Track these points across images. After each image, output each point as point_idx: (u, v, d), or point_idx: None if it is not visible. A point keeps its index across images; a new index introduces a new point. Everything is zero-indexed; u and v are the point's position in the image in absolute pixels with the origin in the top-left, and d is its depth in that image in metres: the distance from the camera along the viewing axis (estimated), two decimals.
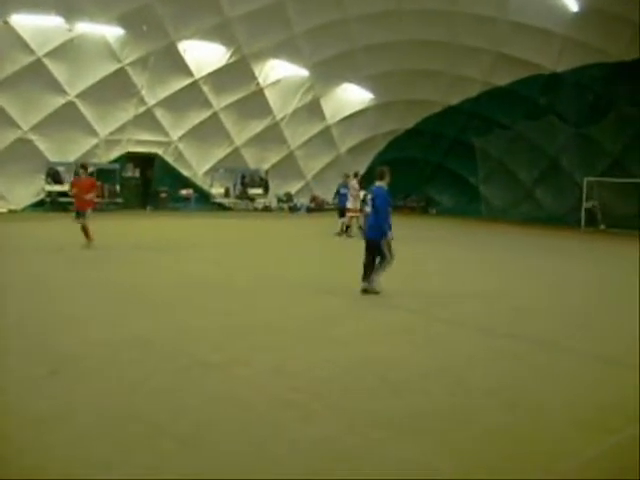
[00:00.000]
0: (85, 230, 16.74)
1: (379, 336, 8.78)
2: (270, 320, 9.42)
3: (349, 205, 23.14)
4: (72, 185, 18.23)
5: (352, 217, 22.95)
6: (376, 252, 11.45)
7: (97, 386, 6.26)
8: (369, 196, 11.79)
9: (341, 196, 24.80)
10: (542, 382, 6.99)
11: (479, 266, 17.12)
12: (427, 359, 7.70)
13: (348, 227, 23.21)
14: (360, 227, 22.04)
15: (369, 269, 11.51)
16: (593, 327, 9.98)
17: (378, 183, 11.89)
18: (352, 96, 37.23)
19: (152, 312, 9.76)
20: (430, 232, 27.08)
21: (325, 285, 12.74)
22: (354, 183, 23.66)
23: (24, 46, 26.94)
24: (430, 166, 37.93)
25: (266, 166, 36.91)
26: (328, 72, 34.29)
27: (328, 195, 39.38)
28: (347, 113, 37.75)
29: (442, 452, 5.03)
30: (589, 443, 5.29)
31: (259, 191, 36.74)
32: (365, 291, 11.48)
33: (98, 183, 29.93)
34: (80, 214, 16.94)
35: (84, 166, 18.72)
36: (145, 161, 32.93)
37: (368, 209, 11.73)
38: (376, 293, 11.39)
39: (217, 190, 35.57)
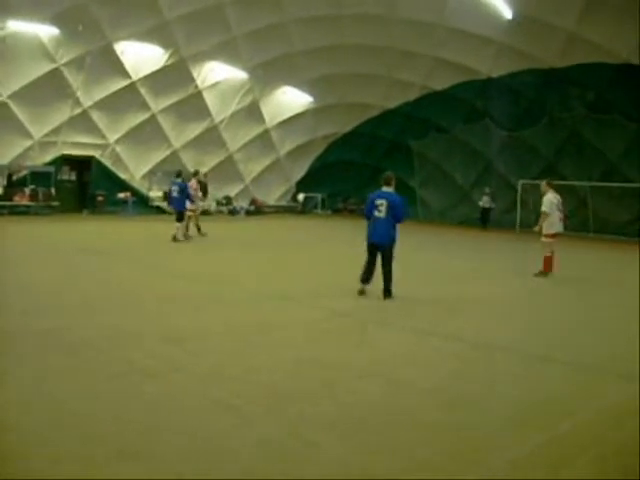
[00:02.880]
0: None
1: (316, 338, 8.83)
2: (208, 325, 9.35)
3: (189, 206, 21.88)
4: None
5: (190, 217, 22.26)
6: (383, 257, 11.81)
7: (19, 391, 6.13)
8: (379, 201, 11.75)
9: (175, 199, 21.81)
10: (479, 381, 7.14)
11: (408, 267, 17.37)
12: (364, 360, 7.76)
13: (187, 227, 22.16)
14: (198, 227, 22.46)
15: (370, 273, 11.98)
16: (525, 325, 10.23)
17: (386, 189, 11.94)
18: (291, 99, 37.32)
19: (81, 316, 9.57)
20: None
21: (268, 289, 12.76)
22: (193, 183, 22.95)
23: None
24: (369, 169, 38.24)
25: (205, 169, 36.61)
26: (267, 75, 34.30)
27: (268, 198, 39.46)
28: (286, 116, 37.83)
29: (379, 451, 5.09)
30: (522, 440, 5.43)
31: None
32: (362, 292, 11.96)
33: (32, 186, 29.67)
34: None
35: None
36: (81, 164, 32.33)
37: (379, 214, 11.73)
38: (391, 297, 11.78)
39: (155, 193, 35.13)
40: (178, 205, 21.31)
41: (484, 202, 32.55)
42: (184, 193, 21.35)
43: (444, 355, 8.19)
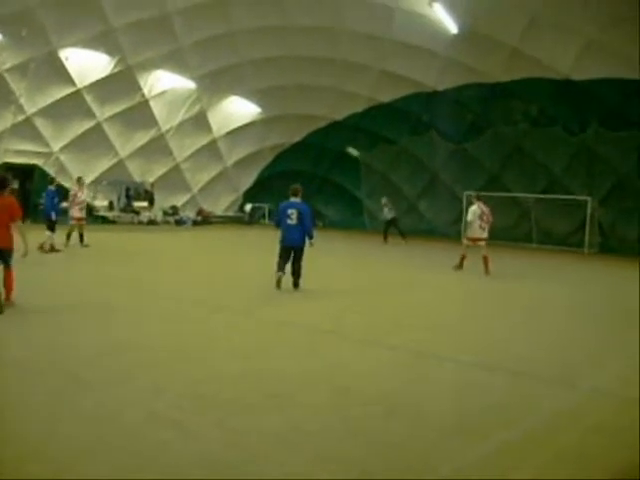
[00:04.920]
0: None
1: (261, 348, 8.82)
2: (150, 336, 9.24)
3: (77, 214, 21.15)
4: None
5: (81, 225, 21.41)
6: (294, 256, 13.67)
7: None
8: (290, 211, 13.60)
9: (46, 207, 20.38)
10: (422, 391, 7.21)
11: (353, 274, 17.53)
12: (310, 370, 7.77)
13: (82, 235, 21.32)
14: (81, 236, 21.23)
15: (284, 265, 13.66)
16: (466, 335, 10.36)
17: (295, 199, 13.87)
18: (239, 109, 37.29)
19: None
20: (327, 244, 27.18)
21: (203, 298, 12.69)
22: (74, 190, 21.90)
23: None
24: (317, 179, 38.36)
25: (151, 178, 36.34)
26: (215, 84, 34.24)
27: (215, 208, 39.29)
28: (234, 126, 37.80)
29: (323, 461, 5.10)
30: (462, 448, 5.50)
31: (144, 204, 36.11)
32: (279, 281, 13.53)
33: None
34: None
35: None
36: (24, 172, 31.66)
37: (291, 222, 13.57)
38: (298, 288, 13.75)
39: (100, 203, 34.66)
40: (46, 213, 19.98)
41: (385, 214, 29.85)
42: (53, 201, 20.13)
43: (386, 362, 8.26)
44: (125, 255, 20.63)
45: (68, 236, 20.95)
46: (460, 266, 18.68)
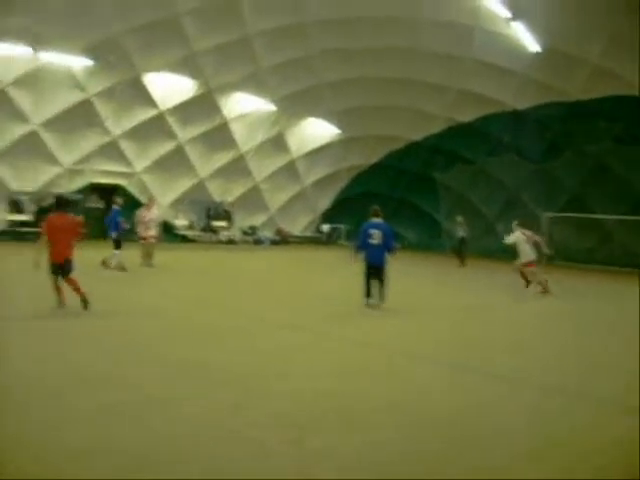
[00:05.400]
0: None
1: (341, 369, 8.73)
2: (230, 354, 9.32)
3: (143, 233, 21.32)
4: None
5: (150, 244, 21.31)
6: (379, 275, 13.98)
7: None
8: (373, 231, 14.06)
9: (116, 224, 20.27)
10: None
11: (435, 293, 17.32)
12: (385, 392, 7.65)
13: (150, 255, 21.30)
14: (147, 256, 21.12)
15: (369, 288, 14.06)
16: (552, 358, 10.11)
17: (377, 220, 14.38)
18: (317, 130, 37.60)
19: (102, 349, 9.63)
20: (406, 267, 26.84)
21: (284, 318, 12.79)
22: (143, 212, 22.08)
23: None
24: (394, 201, 38.22)
25: (231, 198, 36.97)
26: (294, 106, 34.65)
27: (293, 228, 39.59)
28: (312, 147, 38.09)
29: None
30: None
31: (223, 223, 36.78)
32: (368, 305, 13.92)
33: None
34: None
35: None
36: (109, 192, 32.68)
37: (374, 241, 13.98)
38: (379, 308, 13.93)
39: (181, 222, 35.49)
40: (109, 231, 20.17)
41: (459, 233, 29.67)
42: (114, 219, 20.29)
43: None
44: (206, 274, 20.92)
45: (144, 255, 21.23)
46: (527, 285, 18.56)
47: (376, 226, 14.22)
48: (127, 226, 20.65)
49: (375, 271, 13.99)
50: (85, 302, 11.60)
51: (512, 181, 34.10)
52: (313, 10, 27.76)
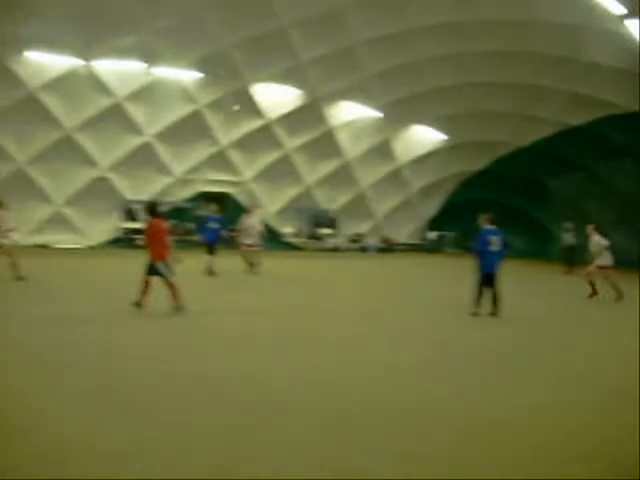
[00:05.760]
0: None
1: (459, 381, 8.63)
2: (335, 361, 9.36)
3: (242, 240, 21.31)
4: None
5: (250, 252, 21.27)
6: (494, 282, 13.90)
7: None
8: (493, 238, 14.00)
9: (209, 230, 20.73)
10: None
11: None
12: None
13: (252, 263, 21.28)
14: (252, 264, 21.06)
15: (480, 298, 13.82)
16: None
17: (492, 227, 14.23)
18: (423, 137, 37.34)
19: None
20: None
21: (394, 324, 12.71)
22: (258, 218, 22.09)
23: (105, 89, 28.25)
24: (501, 208, 37.33)
25: (336, 206, 37.21)
26: (399, 113, 34.54)
27: (398, 235, 39.38)
28: (418, 154, 37.82)
29: None
30: None
31: (329, 231, 37.07)
32: (476, 314, 13.72)
33: (172, 221, 31.17)
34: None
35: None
36: (218, 200, 33.55)
37: (493, 248, 13.93)
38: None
39: (287, 229, 36.01)
40: (211, 238, 20.39)
41: (567, 239, 29.19)
42: (204, 226, 20.82)
43: None
44: (310, 282, 21.04)
45: (247, 262, 21.44)
46: (594, 293, 18.86)
47: (495, 233, 14.22)
48: (223, 233, 20.87)
49: (490, 279, 13.93)
50: (139, 304, 12.39)
51: (628, 187, 32.72)
52: (418, 16, 27.63)
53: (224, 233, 20.72)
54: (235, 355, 9.09)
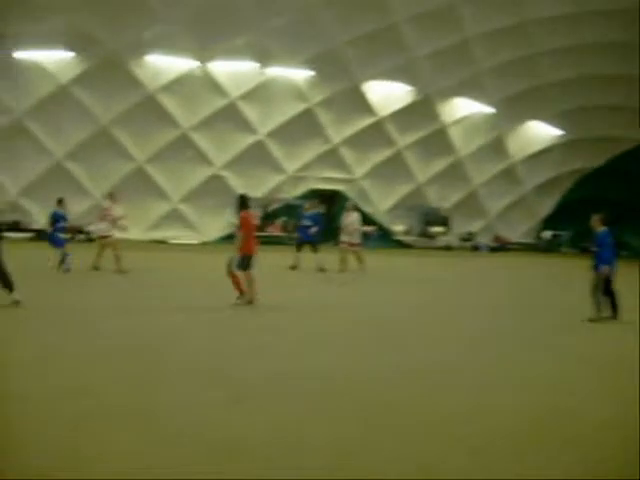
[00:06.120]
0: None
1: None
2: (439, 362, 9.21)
3: (353, 240, 20.33)
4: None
5: (348, 250, 20.30)
6: (611, 282, 12.72)
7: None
8: (608, 239, 12.80)
9: (304, 228, 20.69)
10: None
11: None
12: None
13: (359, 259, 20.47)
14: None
15: (599, 300, 12.58)
16: None
17: (604, 227, 12.89)
18: (538, 133, 36.33)
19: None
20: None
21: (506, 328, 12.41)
22: (357, 216, 21.09)
23: (219, 89, 29.06)
24: (621, 207, 35.83)
25: (448, 204, 36.71)
26: (514, 109, 33.75)
27: (511, 234, 38.43)
28: (533, 150, 36.79)
29: None
30: None
31: (440, 229, 36.61)
32: (596, 320, 12.36)
33: (284, 218, 31.78)
34: None
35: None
36: (329, 198, 33.81)
37: (606, 250, 12.77)
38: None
39: (398, 227, 35.83)
40: (304, 236, 20.32)
41: None
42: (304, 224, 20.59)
43: None
44: (420, 280, 20.76)
45: (342, 260, 20.53)
46: None
47: (607, 235, 13.09)
48: (312, 231, 20.46)
49: (607, 282, 12.73)
50: (242, 296, 12.21)
51: None
52: (534, 8, 26.92)
53: (312, 230, 20.44)
54: (341, 351, 9.09)
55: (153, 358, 8.06)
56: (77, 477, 4.39)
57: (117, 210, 17.39)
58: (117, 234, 17.28)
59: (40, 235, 26.09)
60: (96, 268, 17.00)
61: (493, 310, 14.03)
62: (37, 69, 26.97)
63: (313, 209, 21.37)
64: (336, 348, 9.23)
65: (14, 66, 26.62)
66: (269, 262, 18.28)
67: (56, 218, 17.20)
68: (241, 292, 12.27)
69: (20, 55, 26.57)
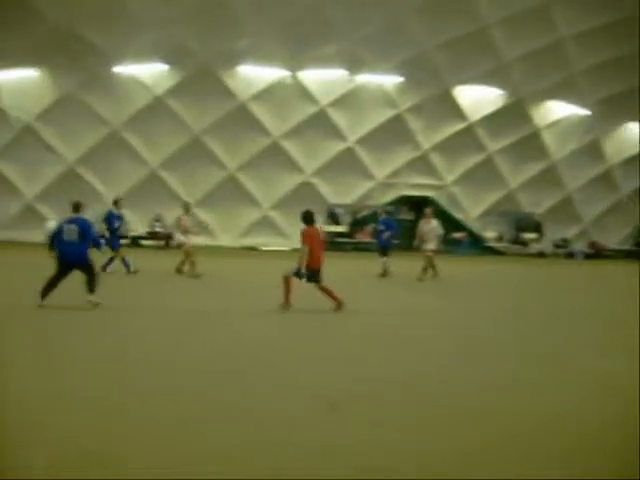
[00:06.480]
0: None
1: None
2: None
3: (433, 247, 19.40)
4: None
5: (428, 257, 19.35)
6: None
7: None
8: None
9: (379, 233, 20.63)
10: None
11: None
12: None
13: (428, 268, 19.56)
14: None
15: None
16: None
17: None
18: (635, 135, 35.04)
19: None
20: None
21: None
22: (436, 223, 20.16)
23: (309, 97, 29.38)
24: None
25: (540, 210, 35.82)
26: (610, 110, 32.69)
27: (608, 241, 37.12)
28: (631, 153, 35.51)
29: None
30: None
31: (533, 236, 35.73)
32: None
33: (373, 225, 31.68)
34: None
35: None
36: (418, 204, 33.56)
37: None
38: None
39: (490, 234, 35.21)
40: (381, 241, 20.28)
41: None
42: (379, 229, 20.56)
43: None
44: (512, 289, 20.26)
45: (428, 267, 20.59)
46: None
47: None
48: (385, 236, 20.29)
49: None
50: (339, 305, 12.04)
51: None
52: (633, 6, 26.03)
53: (386, 235, 20.31)
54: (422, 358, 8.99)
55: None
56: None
57: (187, 220, 18.03)
58: (190, 241, 17.75)
59: (134, 241, 27.65)
60: (180, 271, 17.53)
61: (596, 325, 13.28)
62: (134, 82, 28.04)
63: (386, 215, 21.53)
64: (431, 355, 9.13)
65: (113, 80, 27.73)
66: (356, 269, 18.35)
67: (111, 219, 17.41)
68: (336, 300, 12.14)
69: (118, 69, 27.64)
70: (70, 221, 11.30)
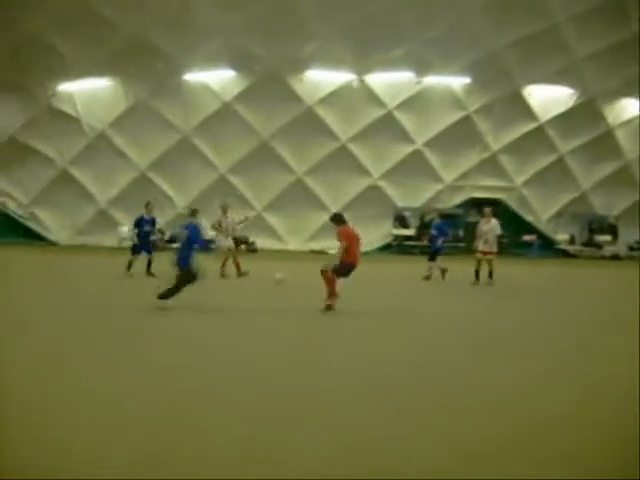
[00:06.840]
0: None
1: None
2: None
3: (492, 248, 18.73)
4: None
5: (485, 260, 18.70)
6: None
7: None
8: None
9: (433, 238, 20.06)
10: None
11: None
12: None
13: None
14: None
15: None
16: None
17: None
18: None
19: None
20: None
21: None
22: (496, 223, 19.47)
23: (376, 100, 29.32)
24: None
25: (615, 212, 34.86)
26: None
27: None
28: None
29: None
30: None
31: (607, 238, 34.78)
32: None
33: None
34: None
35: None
36: (488, 206, 33.05)
37: None
38: None
39: (562, 236, 34.42)
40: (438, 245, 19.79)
41: None
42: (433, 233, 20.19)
43: None
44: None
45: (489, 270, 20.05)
46: None
47: None
48: (440, 241, 19.73)
49: None
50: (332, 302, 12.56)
51: None
52: None
53: (440, 241, 19.92)
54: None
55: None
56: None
57: (226, 221, 18.53)
58: (229, 243, 18.41)
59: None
60: (241, 274, 17.89)
61: None
62: (203, 89, 28.48)
63: (439, 219, 21.27)
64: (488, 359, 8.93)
65: (182, 87, 28.25)
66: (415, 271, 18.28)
67: (141, 223, 17.37)
68: (332, 295, 12.66)
69: (188, 77, 28.13)
70: (184, 227, 12.40)
